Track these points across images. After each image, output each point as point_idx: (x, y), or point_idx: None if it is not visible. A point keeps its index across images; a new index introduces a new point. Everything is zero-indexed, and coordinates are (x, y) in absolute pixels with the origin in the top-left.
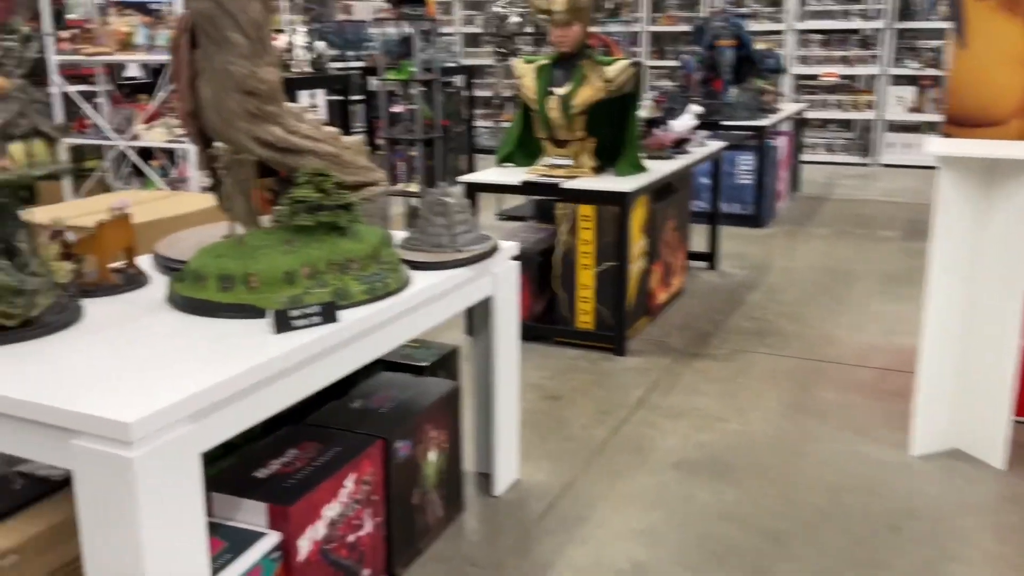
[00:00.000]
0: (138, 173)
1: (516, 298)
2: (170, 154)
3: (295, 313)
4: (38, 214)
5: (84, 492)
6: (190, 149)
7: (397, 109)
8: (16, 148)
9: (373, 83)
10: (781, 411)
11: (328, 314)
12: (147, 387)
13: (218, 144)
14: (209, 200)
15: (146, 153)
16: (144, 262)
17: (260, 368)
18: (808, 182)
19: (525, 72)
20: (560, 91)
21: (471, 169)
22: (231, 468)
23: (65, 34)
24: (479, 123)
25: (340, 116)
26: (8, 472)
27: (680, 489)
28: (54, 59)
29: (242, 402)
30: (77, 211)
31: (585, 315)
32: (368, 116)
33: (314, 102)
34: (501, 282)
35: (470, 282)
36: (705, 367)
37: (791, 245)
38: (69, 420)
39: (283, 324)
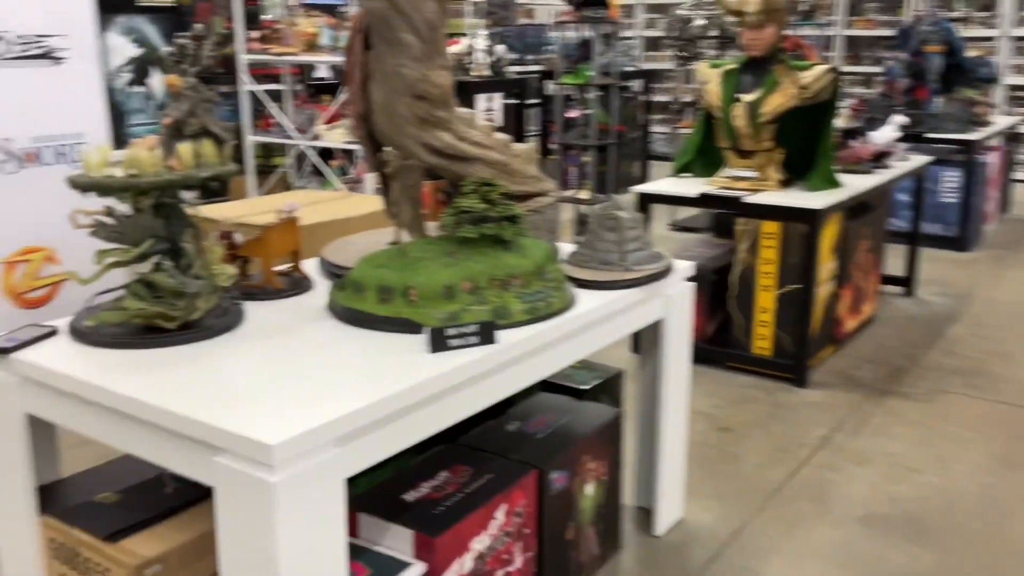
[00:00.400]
0: (318, 172)
1: (689, 322)
2: (349, 154)
3: (452, 332)
4: (216, 210)
5: (224, 511)
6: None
7: (572, 114)
8: (185, 148)
9: (550, 87)
10: (988, 465)
11: (486, 335)
12: (295, 405)
13: (387, 149)
14: (380, 203)
15: (327, 153)
16: (311, 265)
17: (411, 391)
18: (1020, 204)
19: (710, 77)
20: (748, 98)
21: (645, 177)
22: (380, 488)
23: (255, 34)
24: (655, 129)
25: (515, 120)
26: (161, 474)
27: (868, 548)
28: (244, 58)
29: (390, 426)
30: (254, 209)
31: (762, 340)
32: (543, 120)
33: (491, 106)
34: (674, 304)
35: (640, 304)
36: (898, 407)
37: (999, 272)
38: (212, 436)
39: (439, 343)
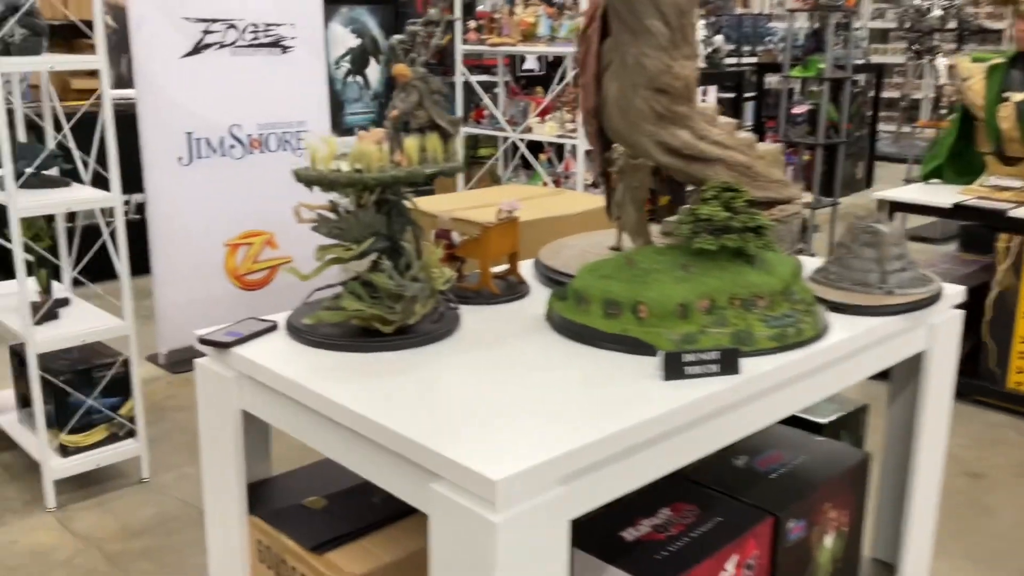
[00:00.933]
0: (525, 165)
1: (955, 356)
2: (558, 148)
3: (690, 358)
4: (424, 203)
5: (439, 542)
6: (579, 145)
7: (799, 109)
8: (411, 142)
9: (769, 80)
10: None
11: (728, 363)
12: (518, 434)
13: (616, 146)
14: (593, 200)
15: (535, 146)
16: (524, 267)
17: (646, 426)
18: None
19: (973, 73)
20: (1018, 97)
21: (870, 179)
22: (595, 521)
23: (471, 24)
24: (882, 128)
25: (731, 115)
26: (368, 482)
27: None
28: (460, 48)
29: (620, 464)
30: (464, 203)
31: (1020, 374)
32: (757, 115)
33: (705, 99)
34: (939, 335)
35: (901, 334)
36: None
37: None
38: (430, 461)
39: (674, 370)
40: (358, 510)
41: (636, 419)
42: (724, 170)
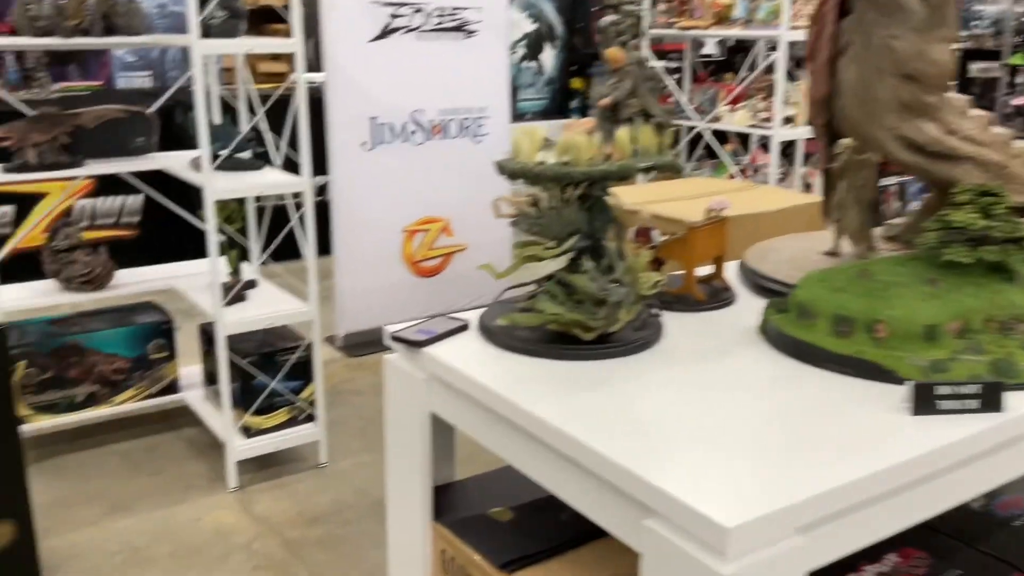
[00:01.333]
0: (710, 156)
1: None
2: (743, 139)
3: (944, 391)
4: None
5: None
6: (773, 136)
7: (1020, 101)
8: (623, 133)
9: (973, 68)
10: None
11: (990, 398)
12: (747, 470)
13: (844, 140)
14: (789, 196)
15: (720, 136)
16: (728, 269)
17: (901, 470)
18: None
19: None
20: None
21: None
22: None
23: (661, 6)
24: None
25: None
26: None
27: None
28: (649, 32)
29: (864, 512)
30: (648, 196)
31: None
32: None
33: None
34: None
35: None
36: None
37: None
38: (646, 494)
39: (925, 404)
40: (546, 527)
41: (887, 462)
42: (974, 170)
